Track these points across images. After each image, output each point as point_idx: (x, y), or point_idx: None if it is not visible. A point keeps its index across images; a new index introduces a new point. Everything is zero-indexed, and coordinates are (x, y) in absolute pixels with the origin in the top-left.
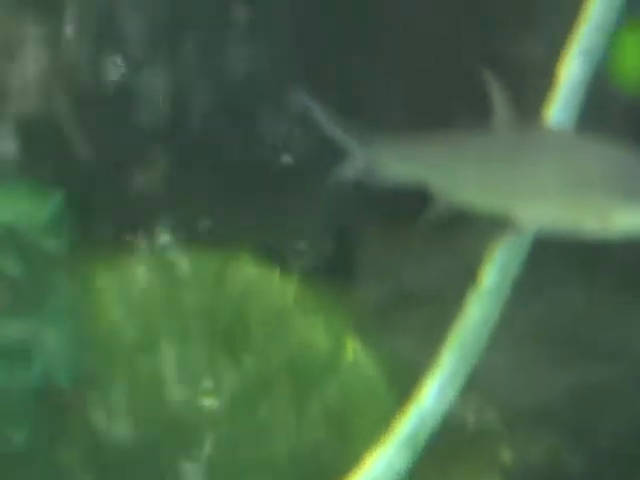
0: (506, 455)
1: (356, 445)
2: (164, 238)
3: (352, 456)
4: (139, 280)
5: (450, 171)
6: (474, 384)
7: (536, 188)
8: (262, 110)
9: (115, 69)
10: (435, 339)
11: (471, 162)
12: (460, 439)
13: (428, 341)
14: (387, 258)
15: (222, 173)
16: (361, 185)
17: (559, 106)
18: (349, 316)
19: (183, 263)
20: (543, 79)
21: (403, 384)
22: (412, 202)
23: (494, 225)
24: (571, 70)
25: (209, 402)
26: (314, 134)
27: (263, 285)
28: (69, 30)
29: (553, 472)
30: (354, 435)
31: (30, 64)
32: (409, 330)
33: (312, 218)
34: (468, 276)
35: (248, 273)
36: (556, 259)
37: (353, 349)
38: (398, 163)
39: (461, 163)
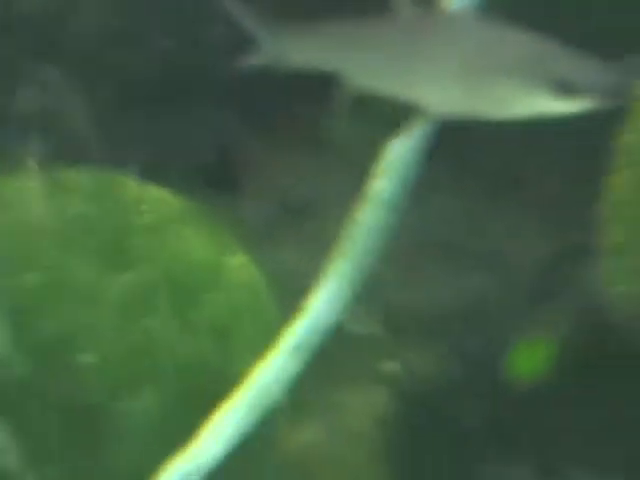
0: (392, 365)
1: (243, 355)
2: (46, 156)
3: (239, 366)
4: (22, 193)
5: (356, 58)
6: (360, 295)
7: (440, 73)
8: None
9: None
10: (324, 252)
11: (376, 49)
12: (347, 350)
13: (316, 254)
14: (273, 173)
15: (109, 89)
16: (247, 100)
17: None
18: (234, 230)
19: (67, 179)
20: None
21: (290, 296)
22: (296, 117)
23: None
24: None
25: (91, 314)
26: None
27: (146, 201)
28: None
29: (439, 381)
30: (240, 345)
31: None
32: (296, 243)
33: (197, 134)
34: (358, 190)
35: (131, 189)
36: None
37: (238, 261)
38: (305, 51)
39: (366, 50)
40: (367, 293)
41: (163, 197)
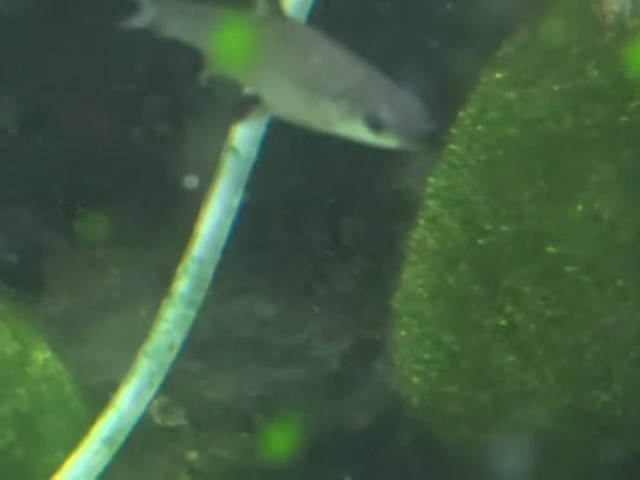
0: (193, 454)
1: (50, 448)
2: None
3: (46, 459)
4: None
5: (213, 43)
6: (164, 386)
7: (275, 75)
8: None
9: None
10: (128, 347)
11: (231, 39)
12: (150, 439)
13: (121, 349)
14: (76, 270)
15: None
16: (45, 198)
17: None
18: (38, 327)
19: None
20: None
21: (95, 390)
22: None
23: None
24: None
25: None
26: None
27: None
28: None
29: (243, 469)
30: (46, 438)
31: None
32: (101, 339)
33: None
34: (160, 284)
35: None
36: (241, 267)
37: (43, 357)
38: (177, 22)
39: (221, 38)
40: (173, 386)
41: None
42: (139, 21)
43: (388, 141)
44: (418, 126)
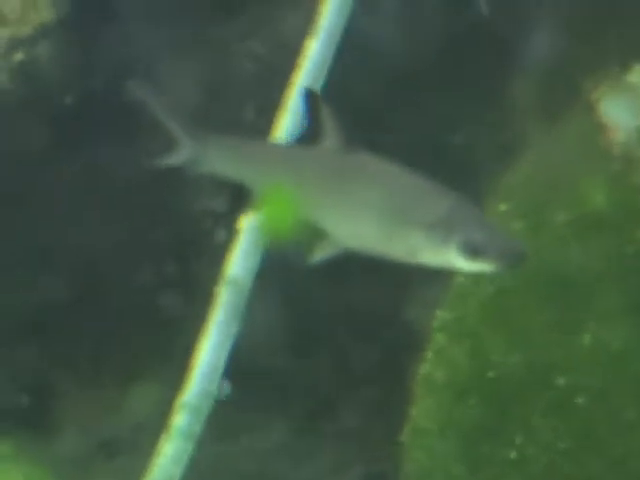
0: None
1: None
2: None
3: None
4: None
5: (270, 180)
6: None
7: (351, 211)
8: None
9: None
10: None
11: (293, 176)
12: None
13: None
14: (84, 409)
15: None
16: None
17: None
18: (49, 467)
19: None
20: None
21: None
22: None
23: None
24: None
25: None
26: None
27: None
28: None
29: None
30: None
31: None
32: (109, 476)
33: (2, 376)
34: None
35: None
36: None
37: None
38: (222, 161)
39: (282, 175)
40: None
41: None
42: (176, 160)
43: (485, 266)
44: (512, 250)
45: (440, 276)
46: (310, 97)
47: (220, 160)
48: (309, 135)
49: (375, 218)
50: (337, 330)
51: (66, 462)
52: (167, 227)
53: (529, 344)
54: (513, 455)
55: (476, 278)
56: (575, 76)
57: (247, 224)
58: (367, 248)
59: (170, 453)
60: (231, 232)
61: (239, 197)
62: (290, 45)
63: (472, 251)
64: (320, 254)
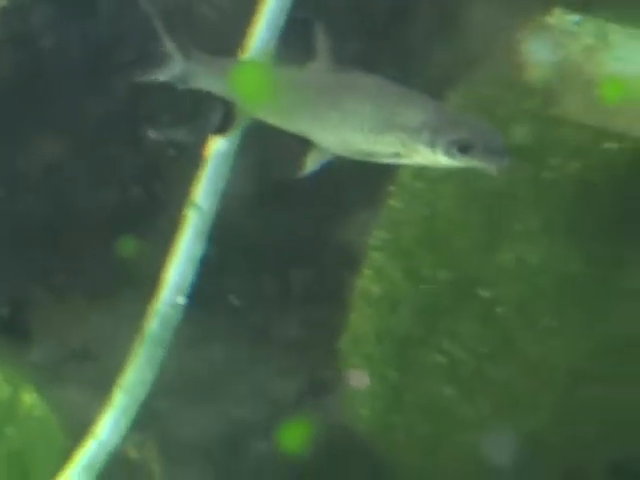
0: None
1: (39, 478)
2: None
3: None
4: None
5: (253, 92)
6: (137, 423)
7: (343, 120)
8: None
9: None
10: (104, 389)
11: (282, 91)
12: (123, 470)
13: (98, 391)
14: (58, 322)
15: None
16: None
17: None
18: (26, 373)
19: None
20: None
21: (76, 427)
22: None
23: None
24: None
25: None
26: None
27: None
28: None
29: None
30: (36, 470)
31: None
32: (80, 382)
33: None
34: (133, 330)
35: None
36: (203, 314)
37: (31, 399)
38: (210, 78)
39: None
40: (143, 423)
41: None
42: (166, 74)
43: (475, 163)
44: (499, 146)
45: (373, 200)
46: (303, 20)
47: (208, 77)
48: (302, 56)
49: (366, 125)
50: (280, 252)
51: (40, 368)
52: (136, 156)
53: (456, 261)
54: (441, 359)
55: (410, 202)
56: (502, 19)
57: (212, 152)
58: (355, 153)
59: (143, 357)
60: (199, 160)
61: (225, 116)
62: None
63: (458, 151)
64: (311, 165)
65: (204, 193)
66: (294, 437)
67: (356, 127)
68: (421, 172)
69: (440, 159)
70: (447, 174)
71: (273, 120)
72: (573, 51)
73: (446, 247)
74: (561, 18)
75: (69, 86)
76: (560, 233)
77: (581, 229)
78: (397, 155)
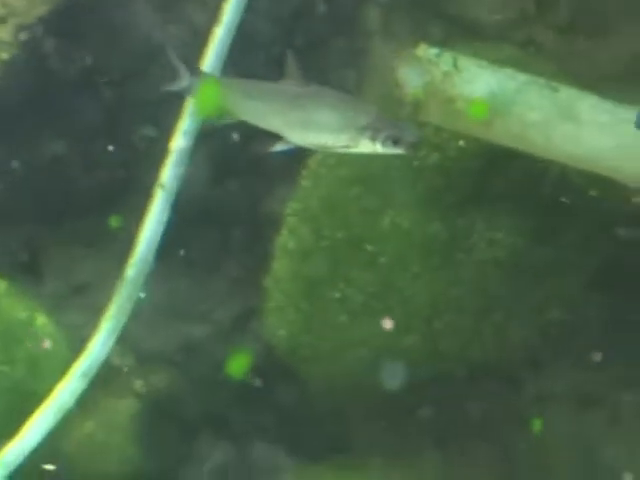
0: (138, 384)
1: (49, 381)
2: None
3: (46, 387)
4: None
5: (247, 106)
6: (120, 340)
7: (308, 121)
8: None
9: None
10: (98, 315)
11: (265, 100)
12: (109, 375)
13: (93, 317)
14: (62, 262)
15: None
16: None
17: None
18: (39, 300)
19: None
20: None
21: (76, 341)
22: (80, 225)
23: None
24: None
25: None
26: None
27: None
28: None
29: (172, 394)
30: (47, 375)
31: None
32: (79, 311)
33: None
34: (117, 274)
35: None
36: (169, 261)
37: (43, 319)
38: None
39: (256, 101)
40: (124, 336)
41: None
42: (176, 86)
43: (398, 151)
44: (416, 140)
45: (291, 180)
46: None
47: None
48: (277, 75)
49: (326, 125)
50: (225, 217)
51: (50, 297)
52: (120, 148)
53: (349, 224)
54: (338, 295)
55: (316, 182)
56: (385, 51)
57: (176, 144)
58: (315, 145)
59: (124, 293)
60: (165, 150)
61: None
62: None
63: (390, 143)
64: (279, 148)
65: (169, 176)
66: (235, 356)
67: (318, 127)
68: (324, 160)
69: (377, 149)
70: (343, 161)
71: (254, 121)
72: (435, 75)
73: (342, 214)
74: (426, 50)
75: (69, 97)
76: (425, 205)
77: (440, 203)
78: (346, 147)
